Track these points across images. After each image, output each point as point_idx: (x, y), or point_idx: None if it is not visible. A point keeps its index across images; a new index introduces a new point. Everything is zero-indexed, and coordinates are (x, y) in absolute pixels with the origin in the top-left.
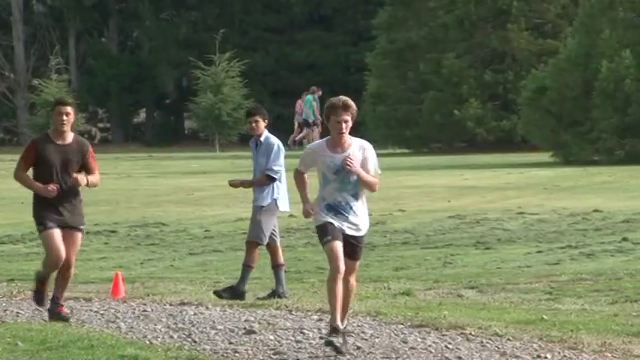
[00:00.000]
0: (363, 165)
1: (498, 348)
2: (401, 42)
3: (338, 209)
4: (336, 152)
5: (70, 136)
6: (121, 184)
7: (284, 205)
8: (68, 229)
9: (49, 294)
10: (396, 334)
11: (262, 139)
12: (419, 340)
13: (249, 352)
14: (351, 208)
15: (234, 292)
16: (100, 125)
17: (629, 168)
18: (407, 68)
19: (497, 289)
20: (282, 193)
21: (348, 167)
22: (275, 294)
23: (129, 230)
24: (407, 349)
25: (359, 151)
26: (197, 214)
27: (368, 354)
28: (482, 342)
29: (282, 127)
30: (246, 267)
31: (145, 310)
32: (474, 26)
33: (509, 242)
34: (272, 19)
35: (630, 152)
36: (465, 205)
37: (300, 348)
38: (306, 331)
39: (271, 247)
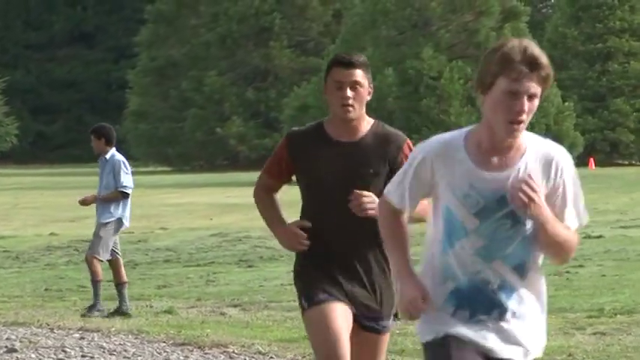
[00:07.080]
0: (552, 199)
1: None
2: (162, 59)
3: (479, 302)
4: (489, 166)
5: (363, 127)
6: None
7: (128, 221)
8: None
9: None
10: (158, 353)
11: (108, 157)
12: (182, 358)
13: None
14: (510, 297)
15: (90, 308)
16: None
17: None
18: (168, 86)
19: (261, 307)
20: (127, 209)
21: (524, 204)
22: (119, 311)
23: None
24: None
25: (541, 165)
26: None
27: None
28: None
29: (43, 145)
30: (95, 282)
31: None
32: (236, 44)
33: (271, 260)
34: (32, 36)
35: None
36: (228, 223)
37: None
38: (67, 350)
39: (114, 264)
